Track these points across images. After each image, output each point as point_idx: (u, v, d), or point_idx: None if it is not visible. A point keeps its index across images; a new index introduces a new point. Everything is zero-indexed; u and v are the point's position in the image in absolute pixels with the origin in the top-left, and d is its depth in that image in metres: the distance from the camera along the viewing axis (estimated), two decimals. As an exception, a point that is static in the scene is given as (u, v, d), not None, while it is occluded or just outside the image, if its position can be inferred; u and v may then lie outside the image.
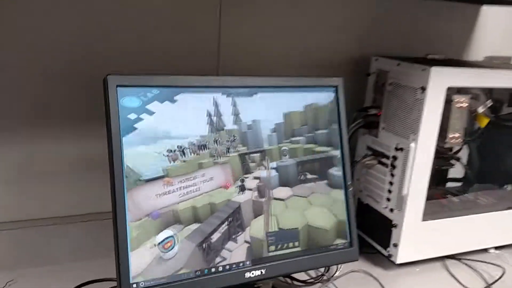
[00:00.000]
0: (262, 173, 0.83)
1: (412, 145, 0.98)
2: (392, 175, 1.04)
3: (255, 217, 0.82)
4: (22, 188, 1.00)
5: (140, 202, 0.72)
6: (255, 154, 0.82)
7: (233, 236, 0.79)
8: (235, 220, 0.79)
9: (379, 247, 1.09)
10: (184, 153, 0.76)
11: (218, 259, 0.77)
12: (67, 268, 0.97)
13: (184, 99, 0.76)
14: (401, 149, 1.01)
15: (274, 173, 0.84)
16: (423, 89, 0.95)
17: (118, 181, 0.70)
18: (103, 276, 0.93)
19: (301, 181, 0.86)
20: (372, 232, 1.11)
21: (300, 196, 0.86)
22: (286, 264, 0.82)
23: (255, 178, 0.82)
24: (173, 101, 0.75)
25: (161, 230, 0.73)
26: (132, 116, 0.72)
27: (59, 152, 1.00)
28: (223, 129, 0.79)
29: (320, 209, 0.87)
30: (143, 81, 0.73)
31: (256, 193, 0.82)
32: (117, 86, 0.71)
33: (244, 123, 0.81)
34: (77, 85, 0.97)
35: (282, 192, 0.84)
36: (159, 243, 0.73)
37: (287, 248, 0.83)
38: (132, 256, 0.71)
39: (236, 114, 0.80)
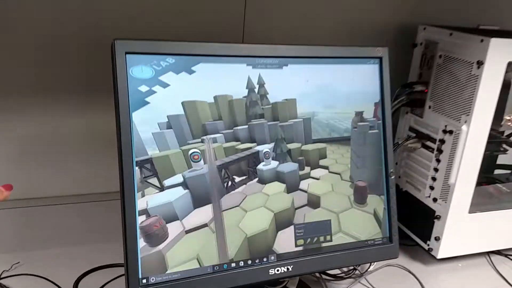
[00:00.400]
0: (154, 199, 0.64)
1: (464, 127, 0.85)
2: (438, 160, 0.92)
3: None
4: (27, 166, 0.93)
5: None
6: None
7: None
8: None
9: (418, 240, 0.99)
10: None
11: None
12: (76, 251, 0.91)
13: (203, 70, 0.65)
14: (450, 131, 0.88)
15: (177, 193, 0.65)
16: (480, 63, 0.81)
17: (126, 160, 0.61)
18: (114, 261, 0.86)
19: (228, 188, 0.70)
20: (411, 223, 1.00)
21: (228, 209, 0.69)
22: (316, 261, 0.72)
23: (141, 213, 0.63)
24: (190, 72, 0.65)
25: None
26: (143, 88, 0.62)
27: (66, 128, 0.92)
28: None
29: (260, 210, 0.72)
30: (156, 47, 0.63)
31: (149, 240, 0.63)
32: (126, 53, 0.61)
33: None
34: (85, 54, 0.88)
35: (201, 215, 0.66)
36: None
37: (318, 242, 0.73)
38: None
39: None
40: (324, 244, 0.73)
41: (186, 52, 0.64)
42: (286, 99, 0.71)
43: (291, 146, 0.73)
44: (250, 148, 0.70)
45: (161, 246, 0.63)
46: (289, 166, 0.73)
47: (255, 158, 0.71)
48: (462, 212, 0.92)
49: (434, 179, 0.93)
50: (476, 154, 0.87)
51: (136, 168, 0.62)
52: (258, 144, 0.71)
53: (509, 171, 1.15)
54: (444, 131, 0.90)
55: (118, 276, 0.84)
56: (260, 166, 0.71)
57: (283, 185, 0.72)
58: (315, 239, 0.73)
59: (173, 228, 0.64)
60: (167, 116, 0.64)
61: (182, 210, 0.65)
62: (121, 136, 0.61)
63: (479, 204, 0.95)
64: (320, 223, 0.73)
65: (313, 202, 0.74)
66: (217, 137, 0.68)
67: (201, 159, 0.66)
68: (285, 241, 0.71)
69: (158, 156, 0.64)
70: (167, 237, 0.64)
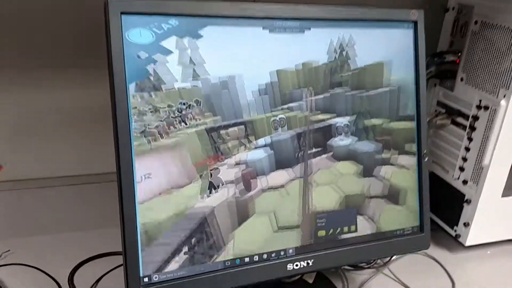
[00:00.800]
0: (250, 154, 0.59)
1: (503, 102, 0.76)
2: (470, 139, 0.83)
3: (239, 224, 0.59)
4: (18, 145, 0.85)
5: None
6: (234, 128, 0.58)
7: (210, 257, 0.58)
8: (202, 241, 0.57)
9: (444, 225, 0.91)
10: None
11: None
12: (72, 238, 0.83)
13: (212, 34, 0.56)
14: (486, 107, 0.79)
15: (265, 152, 0.60)
16: (525, 29, 0.71)
17: (123, 140, 0.53)
18: (114, 249, 0.79)
19: (303, 157, 0.64)
20: (436, 206, 0.91)
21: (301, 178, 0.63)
22: (339, 254, 0.64)
23: (237, 164, 0.58)
24: (197, 36, 0.55)
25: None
26: (142, 55, 0.53)
27: (60, 104, 0.83)
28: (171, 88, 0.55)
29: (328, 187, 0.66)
30: (156, 6, 0.53)
31: (241, 186, 0.58)
32: (121, 13, 0.52)
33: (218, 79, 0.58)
34: (78, 17, 0.78)
35: (280, 176, 0.62)
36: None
37: (342, 233, 0.65)
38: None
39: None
40: (348, 235, 0.65)
41: (191, 12, 0.54)
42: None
43: (374, 121, 0.66)
44: (328, 119, 0.64)
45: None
46: (367, 146, 0.66)
47: (332, 131, 0.65)
48: (495, 196, 0.83)
49: (464, 159, 0.84)
50: (514, 132, 0.78)
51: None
52: (337, 116, 0.65)
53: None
54: (478, 107, 0.81)
55: (118, 266, 0.76)
56: (336, 140, 0.64)
57: (359, 167, 0.65)
58: (338, 229, 0.64)
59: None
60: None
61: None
62: (117, 112, 0.52)
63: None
64: (344, 211, 0.65)
65: (393, 196, 0.68)
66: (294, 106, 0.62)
67: (279, 127, 0.61)
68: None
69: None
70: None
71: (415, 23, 0.66)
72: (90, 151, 0.87)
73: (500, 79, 0.76)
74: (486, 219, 0.85)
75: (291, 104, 0.62)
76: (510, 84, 0.74)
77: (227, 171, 0.58)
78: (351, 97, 0.65)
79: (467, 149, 0.84)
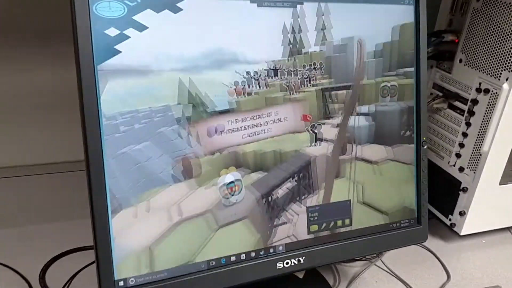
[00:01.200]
0: (350, 119, 0.60)
1: (505, 86, 0.71)
2: (468, 124, 0.78)
3: (329, 179, 0.60)
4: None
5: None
6: (342, 91, 0.58)
7: (300, 198, 0.59)
8: (304, 178, 0.59)
9: (438, 214, 0.87)
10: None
11: (281, 219, 0.58)
12: (42, 231, 0.77)
13: (192, 6, 0.49)
14: (486, 90, 0.74)
15: (366, 121, 0.59)
16: (532, 6, 0.66)
17: (91, 129, 0.47)
18: (89, 243, 0.73)
19: (406, 138, 0.62)
20: (430, 194, 0.86)
21: (401, 162, 0.63)
22: (332, 250, 0.59)
23: (338, 125, 0.59)
24: (175, 9, 0.49)
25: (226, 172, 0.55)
26: (112, 32, 0.46)
27: (27, 86, 0.76)
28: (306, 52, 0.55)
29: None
30: (128, -25, 0.46)
31: (332, 148, 0.59)
32: (87, -18, 0.45)
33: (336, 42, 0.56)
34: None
35: (375, 151, 0.61)
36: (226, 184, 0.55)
37: (335, 227, 0.60)
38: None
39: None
40: (342, 230, 0.60)
41: (169, -18, 0.48)
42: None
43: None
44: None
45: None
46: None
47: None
48: (492, 184, 0.80)
49: (461, 145, 0.80)
50: (516, 117, 0.74)
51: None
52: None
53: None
54: (478, 90, 0.76)
55: (93, 261, 0.71)
56: None
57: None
58: (332, 223, 0.60)
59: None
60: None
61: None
62: (83, 97, 0.45)
63: (510, 174, 0.82)
64: (338, 204, 0.60)
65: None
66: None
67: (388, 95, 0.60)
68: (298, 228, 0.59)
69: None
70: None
71: (417, -1, 0.60)
72: (63, 138, 0.81)
73: (503, 60, 0.71)
74: (482, 207, 0.81)
75: (408, 69, 0.60)
76: (513, 66, 0.70)
77: (329, 129, 0.59)
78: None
79: (465, 134, 0.79)
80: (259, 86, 0.54)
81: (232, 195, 0.55)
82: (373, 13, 0.58)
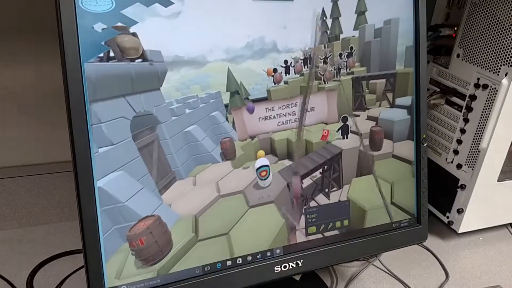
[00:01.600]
0: (383, 112, 0.56)
1: (505, 81, 0.70)
2: (466, 120, 0.77)
3: (359, 175, 0.58)
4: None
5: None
6: (375, 80, 0.55)
7: (326, 190, 0.58)
8: (331, 170, 0.57)
9: (435, 211, 0.85)
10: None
11: (307, 207, 0.57)
12: (30, 235, 0.75)
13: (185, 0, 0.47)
14: (485, 86, 0.73)
15: (401, 115, 0.57)
16: (532, -1, 0.65)
17: (78, 126, 0.44)
18: (78, 246, 0.70)
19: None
20: (427, 191, 0.86)
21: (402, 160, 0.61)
22: (331, 252, 0.58)
23: (369, 118, 0.56)
24: (166, 3, 0.46)
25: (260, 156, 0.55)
26: (99, 27, 0.44)
27: (14, 84, 0.73)
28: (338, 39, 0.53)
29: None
30: (115, -34, 0.44)
31: (367, 142, 0.57)
32: (71, -26, 0.42)
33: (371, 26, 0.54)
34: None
35: (411, 149, 0.59)
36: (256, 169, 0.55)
37: (333, 229, 0.58)
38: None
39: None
40: (341, 231, 0.59)
41: (159, -26, 0.45)
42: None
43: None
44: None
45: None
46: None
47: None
48: (491, 181, 0.78)
49: (459, 142, 0.79)
50: (515, 113, 0.73)
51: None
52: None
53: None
54: (477, 85, 0.74)
55: (83, 265, 0.68)
56: None
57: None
58: (330, 225, 0.58)
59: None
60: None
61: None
62: (70, 98, 0.43)
63: (508, 171, 0.81)
64: (336, 205, 0.58)
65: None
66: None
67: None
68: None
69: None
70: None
71: (417, -10, 0.58)
72: (50, 138, 0.78)
73: (502, 55, 0.70)
74: (480, 205, 0.80)
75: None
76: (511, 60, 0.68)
77: (363, 122, 0.57)
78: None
79: (463, 131, 0.78)
80: (295, 73, 0.53)
81: (262, 180, 0.54)
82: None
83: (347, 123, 0.57)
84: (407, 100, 0.58)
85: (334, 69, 0.54)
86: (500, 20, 0.70)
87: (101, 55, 0.44)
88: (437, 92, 0.82)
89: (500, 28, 0.70)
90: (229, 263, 0.52)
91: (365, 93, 0.56)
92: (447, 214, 0.83)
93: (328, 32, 0.53)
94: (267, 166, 0.54)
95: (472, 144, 0.76)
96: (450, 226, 0.83)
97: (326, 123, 0.56)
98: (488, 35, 0.72)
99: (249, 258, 0.53)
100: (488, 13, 0.72)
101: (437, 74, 0.83)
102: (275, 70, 0.52)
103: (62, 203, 0.78)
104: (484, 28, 0.73)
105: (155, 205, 0.49)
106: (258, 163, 0.54)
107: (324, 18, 0.53)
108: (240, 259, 0.53)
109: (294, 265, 0.55)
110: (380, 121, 0.58)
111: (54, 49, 0.46)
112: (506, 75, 0.70)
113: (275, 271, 0.54)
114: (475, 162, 0.76)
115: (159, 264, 0.48)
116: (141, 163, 0.48)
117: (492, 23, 0.71)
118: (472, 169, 0.77)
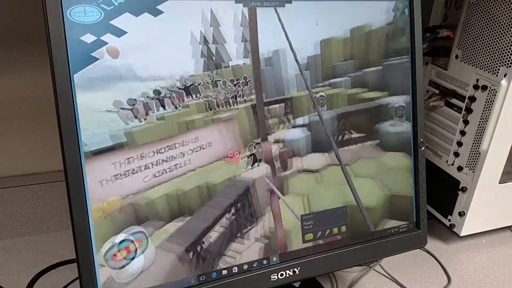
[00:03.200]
0: (288, 133, 0.55)
1: (504, 82, 0.69)
2: (466, 122, 0.76)
3: (274, 201, 0.55)
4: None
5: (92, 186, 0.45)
6: (275, 105, 0.53)
7: (241, 232, 0.53)
8: (243, 209, 0.53)
9: (437, 214, 0.85)
10: (162, 104, 0.47)
11: (219, 265, 0.52)
12: (28, 244, 0.75)
13: (174, 9, 0.46)
14: (484, 87, 0.72)
15: (302, 132, 0.56)
16: (530, -1, 0.64)
17: (69, 146, 0.44)
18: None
19: (343, 142, 0.58)
20: (428, 194, 0.84)
21: (338, 165, 0.58)
22: (329, 259, 0.57)
23: (276, 141, 0.54)
24: (156, 12, 0.46)
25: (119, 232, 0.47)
26: (88, 38, 0.43)
27: (5, 92, 0.73)
28: (227, 65, 0.50)
29: (370, 181, 0.60)
30: (103, -23, 0.43)
31: (278, 164, 0.55)
32: (59, -14, 0.42)
33: (262, 55, 0.51)
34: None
35: (315, 160, 0.57)
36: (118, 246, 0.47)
37: (330, 235, 0.57)
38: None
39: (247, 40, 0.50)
40: (338, 237, 0.58)
41: (148, -17, 0.45)
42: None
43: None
44: (379, 98, 0.58)
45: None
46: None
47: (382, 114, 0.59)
48: (492, 183, 0.77)
49: (460, 144, 0.78)
50: (515, 114, 0.72)
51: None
52: (390, 95, 0.59)
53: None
54: (476, 87, 0.73)
55: (81, 275, 0.68)
56: (387, 126, 0.58)
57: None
58: (327, 231, 0.57)
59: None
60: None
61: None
62: (60, 110, 0.43)
63: (510, 172, 0.80)
64: (333, 211, 0.57)
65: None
66: (342, 81, 0.57)
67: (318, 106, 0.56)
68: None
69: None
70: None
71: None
72: (48, 147, 0.78)
73: (501, 56, 0.69)
74: (482, 207, 0.79)
75: (333, 80, 0.56)
76: (511, 61, 0.67)
77: (269, 147, 0.54)
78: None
79: (463, 133, 0.77)
80: (167, 107, 0.47)
81: (131, 259, 0.46)
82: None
83: (253, 151, 0.53)
84: (304, 120, 0.56)
85: (228, 97, 0.51)
86: (498, 20, 0.69)
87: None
88: (436, 94, 0.81)
89: (498, 29, 0.69)
90: (224, 272, 0.52)
91: (267, 118, 0.53)
92: (449, 217, 0.82)
93: (214, 58, 0.49)
94: (138, 232, 0.46)
95: (472, 146, 0.76)
96: (452, 229, 0.82)
97: (230, 157, 0.51)
98: (486, 36, 0.71)
99: (245, 266, 0.53)
100: (486, 13, 0.71)
101: (436, 75, 0.82)
102: (132, 102, 0.45)
103: (61, 212, 0.78)
104: (482, 29, 0.72)
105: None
106: (117, 239, 0.46)
107: (203, 43, 0.48)
108: (236, 268, 0.52)
109: (291, 273, 0.55)
110: (286, 142, 0.55)
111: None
112: (505, 76, 0.69)
113: (272, 279, 0.54)
114: (476, 164, 0.75)
115: (153, 274, 0.48)
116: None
117: (490, 23, 0.70)
118: (473, 171, 0.76)
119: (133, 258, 0.47)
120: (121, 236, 0.46)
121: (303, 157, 0.56)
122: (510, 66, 0.68)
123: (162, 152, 0.47)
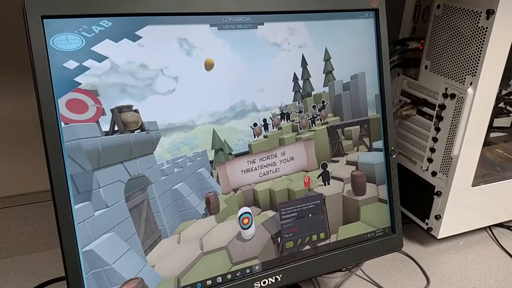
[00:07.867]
0: (363, 156, 0.61)
1: (469, 90, 0.73)
2: (437, 129, 0.80)
3: (346, 223, 0.63)
4: None
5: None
6: (351, 127, 0.60)
7: (312, 240, 0.61)
8: (317, 216, 0.61)
9: (415, 218, 0.88)
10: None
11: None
12: (22, 262, 0.76)
13: (152, 34, 0.49)
14: (452, 95, 0.76)
15: (381, 157, 0.62)
16: (490, 13, 0.68)
17: (54, 159, 0.46)
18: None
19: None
20: (406, 200, 0.88)
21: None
22: (310, 265, 0.59)
23: (349, 163, 0.60)
24: (134, 38, 0.48)
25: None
26: (71, 64, 0.46)
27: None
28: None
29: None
30: (83, 6, 0.46)
31: (349, 187, 0.61)
32: (42, 17, 0.45)
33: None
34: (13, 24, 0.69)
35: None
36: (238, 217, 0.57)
37: (310, 242, 0.60)
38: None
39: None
40: (318, 244, 0.61)
41: (126, 11, 0.47)
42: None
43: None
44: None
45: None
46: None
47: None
48: (465, 187, 0.81)
49: (432, 150, 0.81)
50: (482, 120, 0.75)
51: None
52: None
53: (505, 134, 1.05)
54: (445, 95, 0.77)
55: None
56: None
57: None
58: (307, 238, 0.60)
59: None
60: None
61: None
62: (45, 132, 0.45)
63: (482, 175, 0.84)
64: (312, 218, 0.60)
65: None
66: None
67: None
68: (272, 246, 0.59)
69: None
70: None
71: (376, 11, 0.61)
72: (34, 167, 0.79)
73: (466, 65, 0.73)
74: (457, 210, 0.82)
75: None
76: (476, 71, 0.71)
77: (340, 168, 0.61)
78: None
79: (435, 139, 0.80)
80: (273, 128, 0.58)
81: (244, 229, 0.56)
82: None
83: (327, 169, 0.60)
84: (382, 144, 0.63)
85: (309, 120, 0.59)
86: (462, 32, 0.73)
87: (107, 129, 0.47)
88: (408, 103, 0.85)
89: (462, 40, 0.73)
90: (209, 282, 0.54)
91: (341, 139, 0.60)
92: (426, 220, 0.85)
93: (301, 90, 0.58)
94: (248, 213, 0.57)
95: (444, 151, 0.79)
96: (429, 232, 0.85)
97: (307, 171, 0.60)
98: (452, 47, 0.75)
99: (229, 276, 0.55)
100: (451, 26, 0.75)
101: (407, 86, 0.86)
102: (255, 125, 0.57)
103: (49, 232, 0.79)
104: (448, 41, 0.76)
105: (139, 266, 0.50)
106: (240, 211, 0.57)
107: (297, 80, 0.57)
108: (220, 278, 0.54)
109: (274, 280, 0.57)
110: (359, 165, 0.62)
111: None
112: (471, 84, 0.73)
113: (255, 287, 0.56)
114: (448, 169, 0.79)
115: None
116: (130, 224, 0.50)
117: (455, 35, 0.74)
118: (447, 176, 0.79)
119: (250, 226, 0.57)
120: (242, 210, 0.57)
121: (379, 186, 0.64)
122: (474, 75, 0.72)
123: (264, 160, 0.58)
